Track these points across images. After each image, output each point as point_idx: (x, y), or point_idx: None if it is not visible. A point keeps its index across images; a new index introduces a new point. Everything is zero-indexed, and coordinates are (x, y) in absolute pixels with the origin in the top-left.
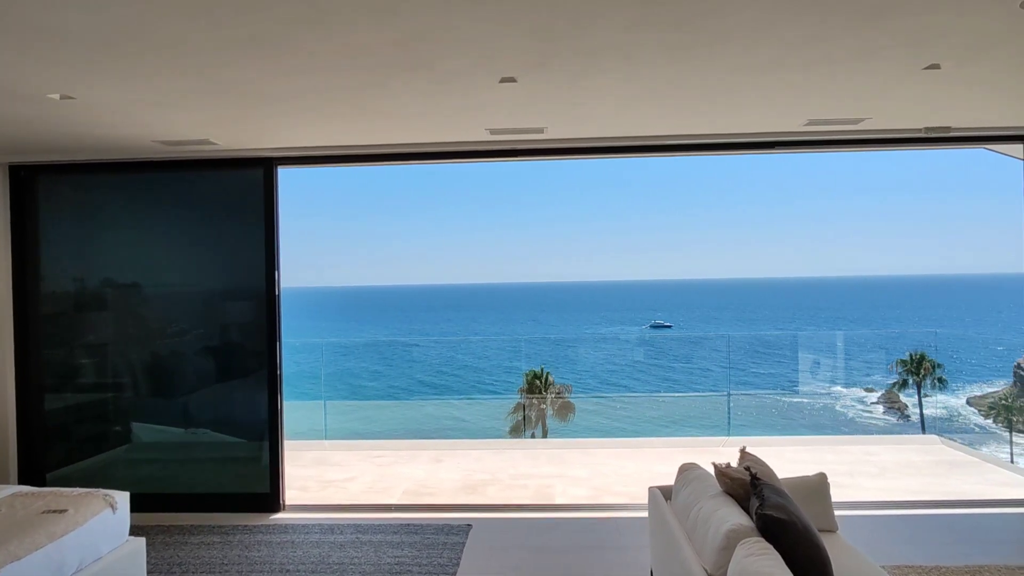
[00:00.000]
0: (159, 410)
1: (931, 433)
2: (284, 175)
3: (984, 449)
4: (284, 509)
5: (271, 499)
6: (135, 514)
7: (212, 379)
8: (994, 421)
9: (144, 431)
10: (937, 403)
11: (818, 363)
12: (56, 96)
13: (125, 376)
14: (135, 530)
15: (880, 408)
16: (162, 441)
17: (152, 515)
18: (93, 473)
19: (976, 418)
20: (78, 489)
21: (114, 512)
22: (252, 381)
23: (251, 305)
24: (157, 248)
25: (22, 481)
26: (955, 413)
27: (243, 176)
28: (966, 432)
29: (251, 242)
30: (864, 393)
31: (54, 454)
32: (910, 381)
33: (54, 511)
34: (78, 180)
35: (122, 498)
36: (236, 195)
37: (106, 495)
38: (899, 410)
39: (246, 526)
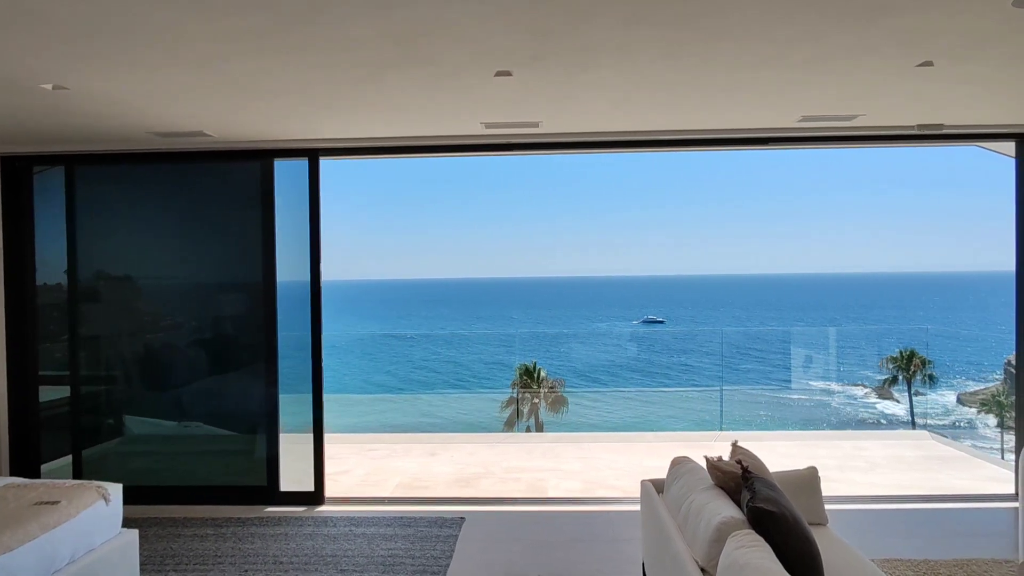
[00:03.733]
0: (161, 403)
1: (921, 429)
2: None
3: (971, 444)
4: (326, 502)
5: (268, 491)
6: (143, 506)
7: (230, 370)
8: (986, 414)
9: (146, 424)
10: (928, 400)
11: (810, 359)
12: (49, 86)
13: (129, 368)
14: (137, 523)
15: (871, 404)
16: (161, 434)
17: (155, 507)
18: (91, 464)
19: (966, 414)
20: (71, 481)
21: (107, 504)
22: (251, 374)
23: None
24: (165, 240)
25: (14, 473)
26: (945, 409)
27: (243, 168)
28: (956, 428)
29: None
30: (855, 389)
31: (48, 446)
32: (900, 378)
33: (47, 503)
34: (75, 171)
35: (115, 490)
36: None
37: (99, 487)
38: (889, 404)
39: (239, 518)
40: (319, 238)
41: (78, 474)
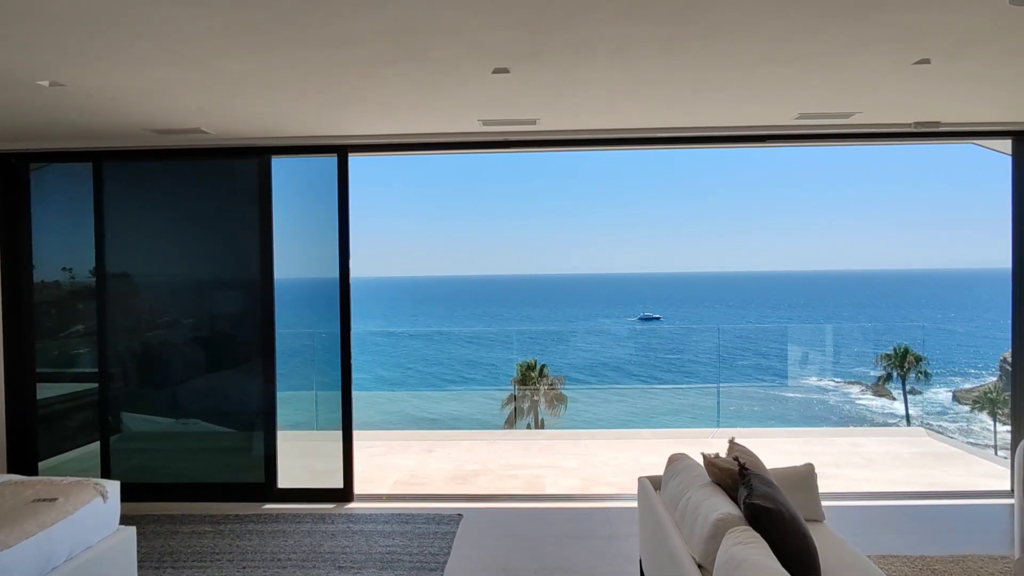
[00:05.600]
0: (159, 400)
1: (916, 425)
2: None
3: (967, 440)
4: (355, 499)
5: (266, 488)
6: (141, 503)
7: (227, 367)
8: (981, 411)
9: (143, 421)
10: (924, 397)
11: (807, 356)
12: (45, 83)
13: (127, 365)
14: (135, 520)
15: (867, 401)
16: (158, 431)
17: (153, 504)
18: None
19: (962, 411)
20: (69, 478)
21: (105, 501)
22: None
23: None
24: (163, 238)
25: (12, 470)
26: (941, 406)
27: (241, 165)
28: (951, 425)
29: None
30: (851, 386)
31: (46, 443)
32: (894, 375)
33: (44, 500)
34: (72, 168)
35: (113, 487)
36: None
37: (97, 484)
38: (885, 401)
39: (237, 515)
40: (348, 235)
41: (106, 469)
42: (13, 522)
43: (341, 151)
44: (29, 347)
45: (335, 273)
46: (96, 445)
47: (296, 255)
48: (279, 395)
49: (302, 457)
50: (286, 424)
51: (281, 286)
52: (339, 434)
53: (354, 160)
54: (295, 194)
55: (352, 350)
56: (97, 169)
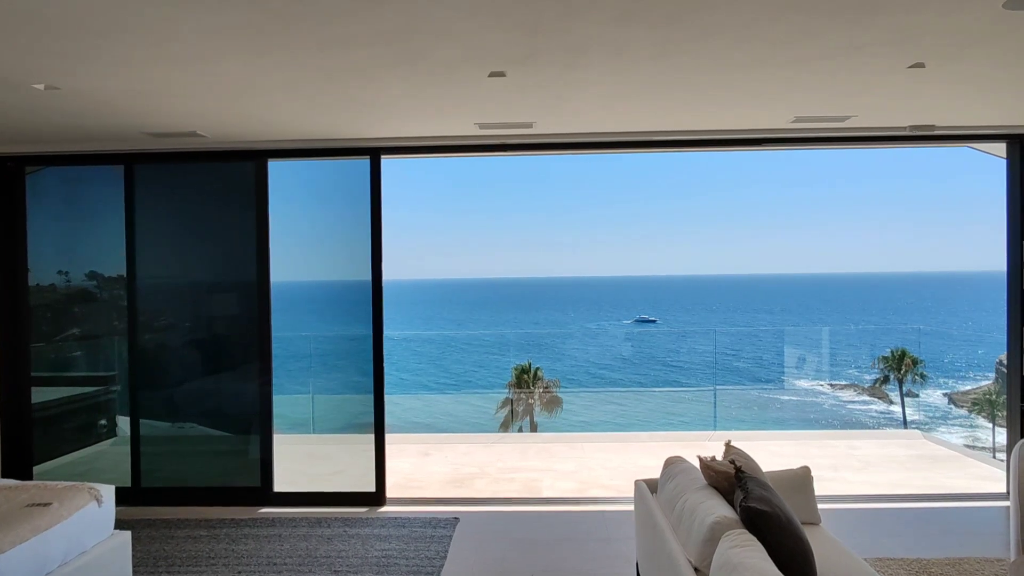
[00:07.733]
0: (155, 404)
1: (913, 428)
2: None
3: (963, 443)
4: (387, 503)
5: (262, 492)
6: (136, 508)
7: (224, 371)
8: (978, 414)
9: (140, 424)
10: (920, 400)
11: (803, 358)
12: (41, 87)
13: (121, 368)
14: (130, 524)
15: (863, 404)
16: (154, 435)
17: (148, 508)
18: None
19: (958, 414)
20: (63, 482)
21: (99, 506)
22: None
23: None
24: (163, 240)
25: (6, 475)
26: (937, 409)
27: (237, 168)
28: (948, 427)
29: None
30: (848, 388)
31: (42, 447)
32: (891, 377)
33: (38, 504)
34: (70, 171)
35: (107, 491)
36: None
37: (91, 488)
38: (882, 404)
39: (233, 519)
40: (380, 237)
41: (136, 474)
42: (7, 527)
43: (374, 153)
44: (24, 350)
45: (335, 276)
46: (91, 450)
47: (295, 258)
48: (275, 398)
49: (295, 461)
50: (282, 427)
51: (278, 289)
52: (338, 437)
53: (346, 163)
54: (297, 197)
55: (354, 354)
56: (128, 172)
